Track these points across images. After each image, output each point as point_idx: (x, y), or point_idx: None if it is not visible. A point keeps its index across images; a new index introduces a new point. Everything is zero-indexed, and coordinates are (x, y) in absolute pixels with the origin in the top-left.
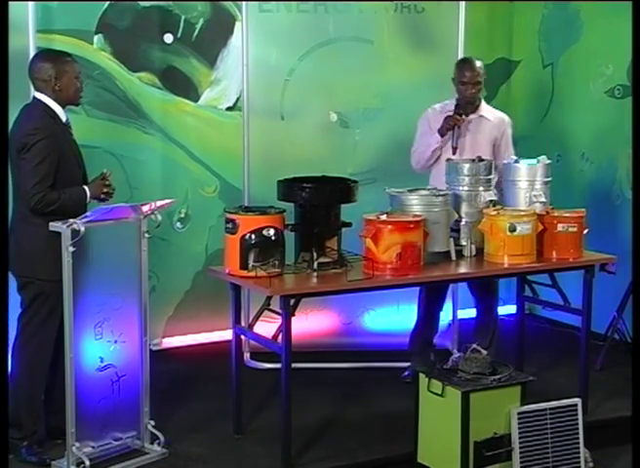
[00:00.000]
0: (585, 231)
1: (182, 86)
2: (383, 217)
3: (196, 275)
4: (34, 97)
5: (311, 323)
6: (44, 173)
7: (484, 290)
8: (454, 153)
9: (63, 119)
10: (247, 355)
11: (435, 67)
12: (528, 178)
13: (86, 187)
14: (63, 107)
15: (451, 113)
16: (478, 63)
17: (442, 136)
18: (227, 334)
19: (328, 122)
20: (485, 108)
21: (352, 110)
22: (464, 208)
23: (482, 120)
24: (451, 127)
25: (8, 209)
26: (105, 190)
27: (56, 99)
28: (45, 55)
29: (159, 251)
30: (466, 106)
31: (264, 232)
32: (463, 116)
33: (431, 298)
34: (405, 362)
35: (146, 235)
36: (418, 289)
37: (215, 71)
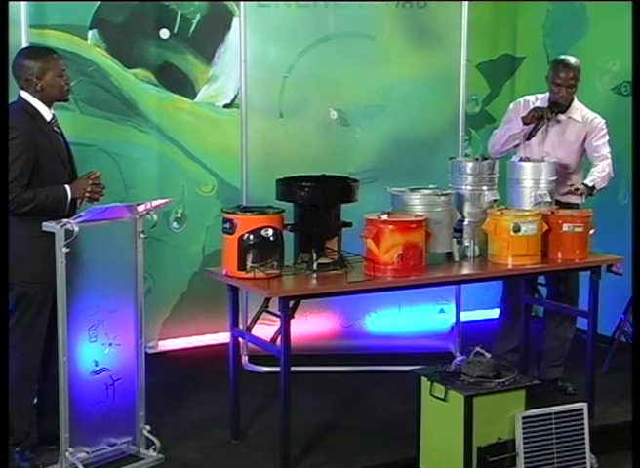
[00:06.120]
0: (592, 231)
1: (179, 83)
2: (385, 217)
3: (193, 276)
4: (18, 95)
5: (311, 325)
6: (17, 172)
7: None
8: (528, 139)
9: (47, 118)
10: (245, 358)
11: (437, 64)
12: (533, 177)
13: (67, 186)
14: (49, 105)
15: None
16: (574, 64)
17: (524, 124)
18: (225, 337)
19: (328, 119)
20: (575, 109)
21: (353, 108)
22: (467, 207)
23: (570, 121)
24: (536, 117)
25: (7, 209)
26: (90, 189)
27: (40, 98)
28: (27, 52)
29: (155, 251)
30: (553, 106)
31: (263, 232)
32: (553, 114)
33: (516, 294)
34: (407, 365)
35: (142, 235)
36: (420, 290)
37: (212, 68)
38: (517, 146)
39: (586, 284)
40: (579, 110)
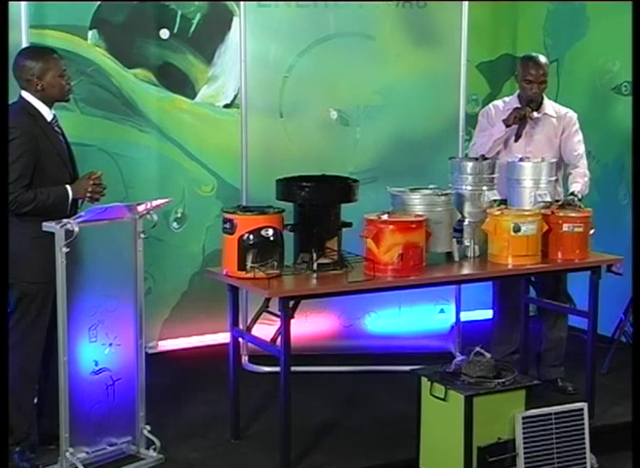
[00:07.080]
0: (592, 231)
1: (179, 83)
2: (385, 217)
3: (193, 276)
4: (19, 96)
5: (311, 325)
6: (18, 172)
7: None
8: (516, 141)
9: (48, 118)
10: (245, 358)
11: (437, 64)
12: (533, 177)
13: (68, 186)
14: (50, 106)
15: (518, 105)
16: (543, 61)
17: (507, 126)
18: (225, 337)
19: (328, 119)
20: (547, 105)
21: (353, 107)
22: (468, 207)
23: (546, 118)
24: (519, 117)
25: (8, 209)
26: (91, 189)
27: (40, 98)
28: (27, 52)
29: (155, 251)
30: (529, 104)
31: (263, 232)
32: (534, 113)
33: (510, 295)
34: (407, 365)
35: (142, 235)
36: (420, 290)
37: (212, 68)
38: (499, 153)
39: (586, 284)
40: (550, 106)
